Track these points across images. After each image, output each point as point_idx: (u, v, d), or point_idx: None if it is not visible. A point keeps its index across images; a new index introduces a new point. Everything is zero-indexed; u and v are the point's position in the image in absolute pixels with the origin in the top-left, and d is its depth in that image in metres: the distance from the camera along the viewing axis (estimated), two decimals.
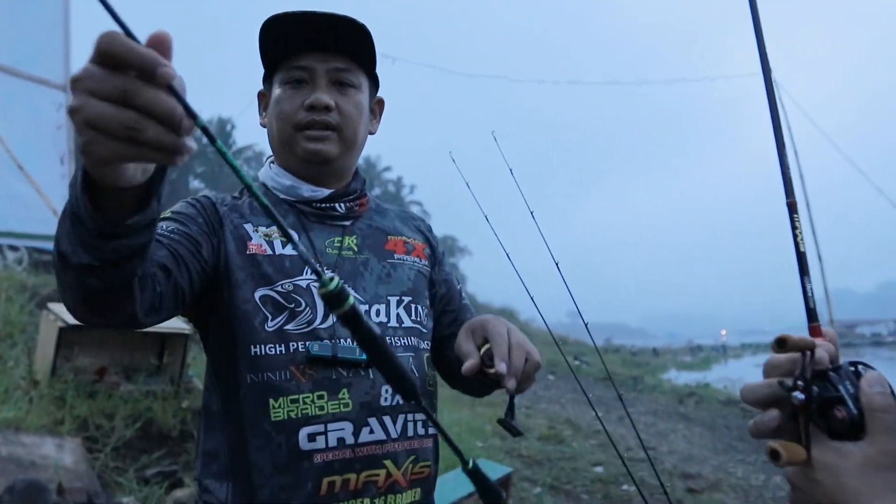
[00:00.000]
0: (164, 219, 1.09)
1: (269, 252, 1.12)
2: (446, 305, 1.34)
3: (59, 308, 4.10)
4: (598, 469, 5.78)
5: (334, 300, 0.51)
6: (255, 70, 1.29)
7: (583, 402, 9.74)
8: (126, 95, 0.51)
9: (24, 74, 8.44)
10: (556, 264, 1.64)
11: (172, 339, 4.61)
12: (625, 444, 6.69)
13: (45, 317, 4.26)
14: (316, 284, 1.11)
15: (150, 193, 0.69)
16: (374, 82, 1.29)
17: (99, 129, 0.53)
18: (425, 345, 1.22)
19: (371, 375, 1.08)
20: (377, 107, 1.33)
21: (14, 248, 7.94)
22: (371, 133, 1.30)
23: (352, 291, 1.14)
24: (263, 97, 1.28)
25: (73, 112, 0.54)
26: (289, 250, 1.13)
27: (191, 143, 0.54)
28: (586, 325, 1.74)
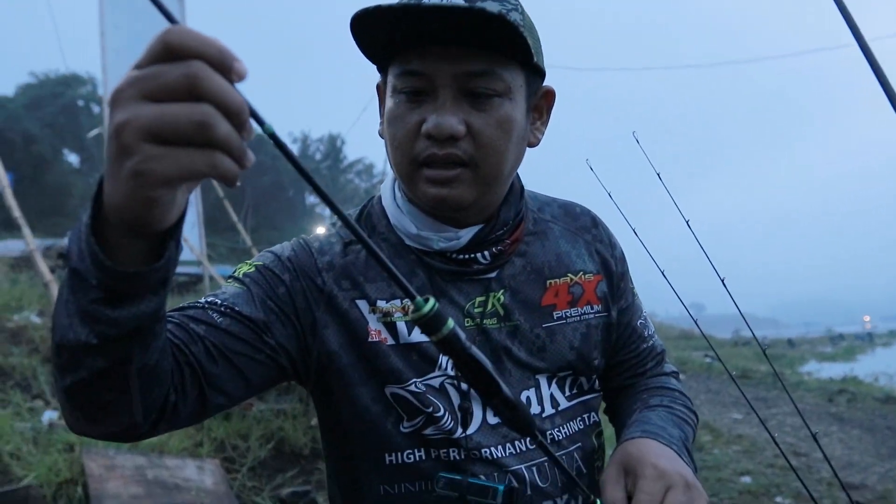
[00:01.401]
0: (233, 278, 0.89)
1: (392, 342, 0.90)
2: (622, 351, 1.06)
3: None
4: (746, 479, 5.33)
5: (430, 325, 0.50)
6: (366, 83, 1.04)
7: (718, 404, 9.13)
8: (195, 83, 0.43)
9: None
10: (687, 222, 1.52)
11: None
12: (772, 451, 6.16)
13: None
14: (450, 382, 0.89)
15: (167, 238, 0.55)
16: (536, 71, 0.89)
17: (162, 134, 0.43)
18: (592, 420, 1.00)
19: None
20: (544, 102, 0.94)
21: None
22: (531, 145, 0.93)
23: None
24: (382, 92, 0.93)
25: (121, 128, 0.44)
26: (416, 337, 0.89)
27: (250, 153, 0.47)
28: (742, 315, 1.56)
